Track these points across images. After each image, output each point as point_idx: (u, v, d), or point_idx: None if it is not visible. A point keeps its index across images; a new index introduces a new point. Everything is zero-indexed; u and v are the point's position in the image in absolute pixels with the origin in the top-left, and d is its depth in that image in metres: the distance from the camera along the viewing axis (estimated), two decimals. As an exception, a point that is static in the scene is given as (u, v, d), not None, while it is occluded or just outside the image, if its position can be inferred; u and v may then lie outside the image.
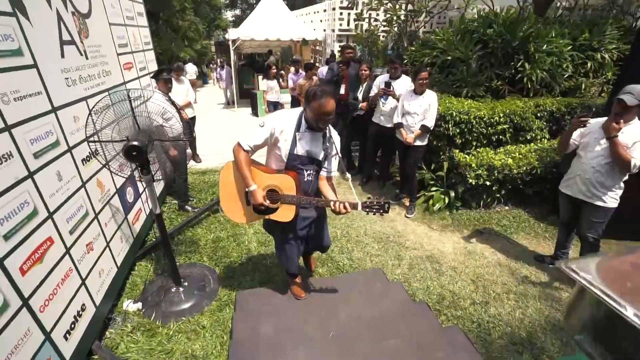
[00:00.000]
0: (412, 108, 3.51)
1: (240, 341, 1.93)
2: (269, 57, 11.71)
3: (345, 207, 1.78)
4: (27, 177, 1.56)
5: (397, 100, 3.72)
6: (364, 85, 4.38)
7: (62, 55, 1.96)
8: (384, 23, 7.36)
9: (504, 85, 4.71)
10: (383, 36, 9.37)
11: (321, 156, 1.96)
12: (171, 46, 12.94)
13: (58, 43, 1.93)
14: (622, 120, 2.20)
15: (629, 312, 0.77)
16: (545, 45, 4.57)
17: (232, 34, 9.44)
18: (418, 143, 3.58)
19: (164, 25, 13.54)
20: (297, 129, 1.91)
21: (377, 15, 9.22)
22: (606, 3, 7.50)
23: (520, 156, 3.69)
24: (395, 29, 7.84)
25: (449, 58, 4.90)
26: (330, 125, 1.95)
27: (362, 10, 8.07)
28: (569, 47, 4.80)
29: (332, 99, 1.79)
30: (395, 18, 6.84)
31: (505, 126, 3.81)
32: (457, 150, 3.77)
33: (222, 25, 23.65)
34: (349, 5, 8.47)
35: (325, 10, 10.63)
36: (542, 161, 3.64)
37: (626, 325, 0.77)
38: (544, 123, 4.15)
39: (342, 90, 4.51)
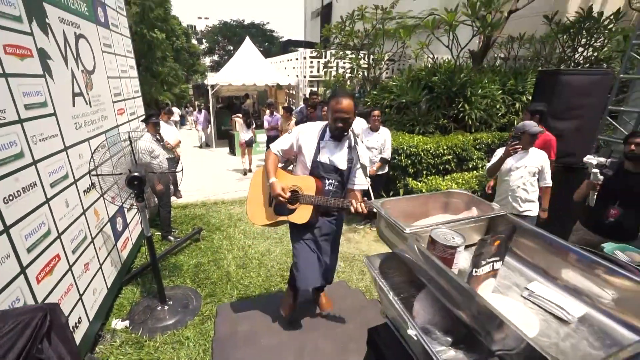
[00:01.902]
0: (370, 143, 4.11)
1: (221, 339, 2.22)
2: (246, 101, 12.50)
3: (360, 207, 1.73)
4: (45, 203, 1.91)
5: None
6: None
7: (73, 105, 2.38)
8: (346, 70, 8.30)
9: (450, 123, 5.52)
10: (350, 81, 10.43)
11: (344, 166, 1.98)
12: (151, 91, 13.49)
13: (71, 95, 2.36)
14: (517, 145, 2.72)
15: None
16: (480, 90, 5.46)
17: (211, 79, 10.15)
18: (380, 172, 4.15)
19: (144, 72, 14.20)
20: (321, 138, 2.00)
21: (344, 63, 10.33)
22: (533, 54, 8.87)
23: (464, 182, 4.33)
24: (360, 75, 8.83)
25: (403, 101, 5.71)
26: (357, 138, 2.01)
27: (328, 60, 9.05)
28: (500, 92, 5.74)
29: (349, 98, 1.86)
30: (356, 67, 7.78)
31: (449, 157, 4.48)
32: (410, 179, 4.36)
33: (201, 70, 24.71)
34: (318, 55, 9.48)
35: (297, 59, 11.70)
36: (481, 185, 4.28)
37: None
38: (483, 154, 4.89)
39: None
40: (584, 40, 7.21)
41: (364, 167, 2.01)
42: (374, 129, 4.12)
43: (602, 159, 2.54)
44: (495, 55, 9.49)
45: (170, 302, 2.83)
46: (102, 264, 2.62)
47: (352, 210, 1.76)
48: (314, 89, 10.97)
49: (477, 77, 5.65)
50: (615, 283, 0.74)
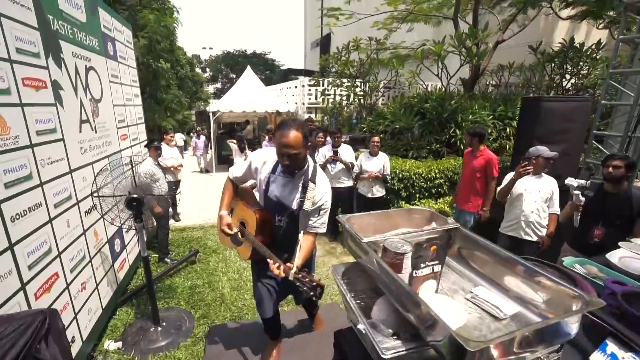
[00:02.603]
0: (370, 167, 4.27)
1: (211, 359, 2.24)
2: (246, 127, 12.84)
3: (277, 269, 1.58)
4: (48, 222, 2.01)
5: (344, 164, 4.43)
6: (319, 149, 5.13)
7: (80, 131, 2.54)
8: (343, 97, 8.64)
9: (442, 148, 5.70)
10: (347, 108, 10.80)
11: (294, 206, 1.77)
12: (155, 117, 13.88)
13: (78, 122, 2.52)
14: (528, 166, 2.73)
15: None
16: (471, 116, 5.68)
17: (213, 106, 10.51)
18: (378, 195, 4.27)
19: (148, 99, 14.69)
20: (273, 170, 1.82)
21: (341, 90, 10.75)
22: (523, 82, 9.22)
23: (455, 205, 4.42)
24: (356, 102, 9.17)
25: (397, 126, 5.92)
26: (318, 180, 1.79)
27: (324, 89, 9.42)
28: (490, 117, 5.96)
29: (296, 131, 1.60)
30: (352, 94, 8.11)
31: (441, 180, 4.61)
32: (403, 202, 4.47)
33: (204, 97, 25.44)
34: (315, 83, 9.89)
35: (296, 87, 12.16)
36: (473, 208, 4.38)
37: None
38: (475, 177, 5.02)
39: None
40: (570, 68, 7.57)
41: (320, 211, 1.79)
42: (374, 154, 4.31)
43: (582, 181, 2.64)
44: (487, 83, 9.88)
45: (164, 324, 2.85)
46: (99, 284, 2.67)
47: (270, 267, 1.61)
48: (312, 115, 11.33)
49: (467, 103, 5.89)
50: (548, 288, 0.83)
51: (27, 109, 1.85)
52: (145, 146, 4.01)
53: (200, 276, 3.77)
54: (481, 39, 5.55)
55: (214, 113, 10.51)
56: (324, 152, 4.64)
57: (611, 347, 0.81)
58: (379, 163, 4.24)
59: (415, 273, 0.87)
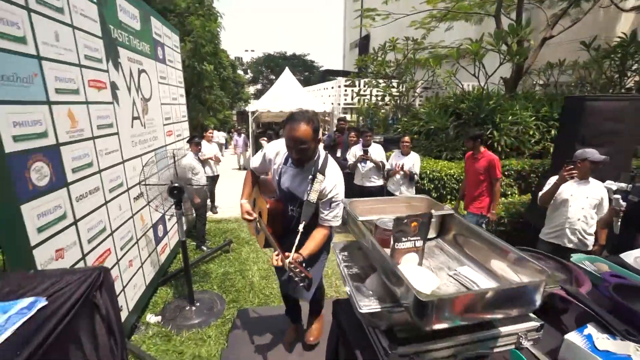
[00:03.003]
0: (405, 167, 4.30)
1: (235, 338, 2.45)
2: (283, 126, 13.23)
3: (276, 258, 1.59)
4: (104, 204, 2.32)
5: (374, 162, 4.48)
6: (351, 148, 5.22)
7: (132, 126, 2.87)
8: (379, 97, 8.62)
9: (478, 149, 5.50)
10: (383, 108, 10.75)
11: (304, 197, 1.80)
12: (198, 116, 14.79)
13: (130, 118, 2.85)
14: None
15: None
16: (510, 117, 5.44)
17: (251, 106, 10.99)
18: (407, 194, 4.27)
19: (193, 99, 15.69)
20: (285, 162, 1.86)
21: (377, 91, 10.73)
22: (577, 80, 8.57)
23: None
24: (392, 102, 9.11)
25: (432, 127, 5.83)
26: (328, 172, 1.78)
27: (359, 89, 9.44)
28: (533, 118, 5.65)
29: (306, 124, 1.60)
30: (388, 95, 8.07)
31: (473, 182, 4.47)
32: (433, 202, 4.40)
33: (244, 98, 26.50)
34: (351, 84, 9.95)
35: (332, 87, 12.31)
36: (508, 212, 4.21)
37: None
38: (512, 181, 4.81)
39: (339, 154, 5.39)
40: (635, 66, 6.89)
41: (332, 204, 1.77)
42: (405, 153, 4.35)
43: (623, 185, 2.48)
44: (534, 82, 9.32)
45: (198, 304, 3.11)
46: (143, 264, 3.00)
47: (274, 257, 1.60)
48: (347, 116, 11.40)
49: (507, 103, 5.64)
50: (524, 267, 0.87)
51: (91, 107, 2.16)
52: (187, 142, 4.37)
53: (233, 264, 4.03)
54: (523, 36, 5.29)
55: (252, 113, 10.98)
56: (355, 151, 4.72)
57: (590, 329, 0.82)
58: (409, 162, 4.25)
59: (397, 245, 0.96)
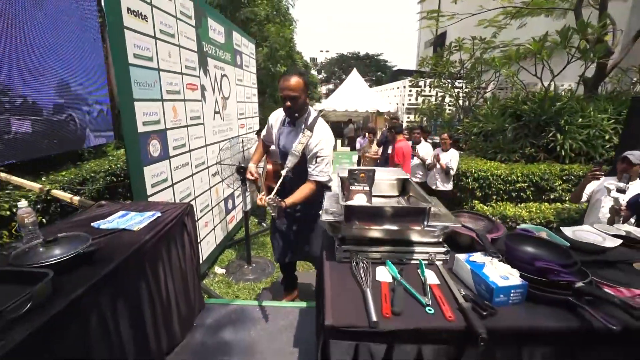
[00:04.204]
0: (441, 160, 4.51)
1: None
2: (348, 125, 13.76)
3: (262, 200, 1.73)
4: (190, 176, 3.14)
5: (420, 159, 4.75)
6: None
7: (214, 119, 3.69)
8: (440, 98, 8.55)
9: (539, 153, 5.29)
10: (448, 109, 10.53)
11: (292, 148, 1.91)
12: (270, 113, 16.13)
13: (213, 113, 3.67)
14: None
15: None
16: (580, 119, 5.11)
17: (318, 105, 11.74)
18: (442, 188, 4.47)
19: (268, 98, 17.19)
20: (282, 123, 2.03)
21: (443, 92, 10.54)
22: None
23: (538, 211, 4.18)
24: (457, 103, 8.93)
25: (490, 128, 5.77)
26: (316, 129, 1.89)
27: (422, 89, 9.44)
28: (612, 121, 5.20)
29: (298, 77, 1.77)
30: (449, 95, 7.99)
31: (523, 185, 4.41)
32: (477, 202, 4.47)
33: (316, 97, 27.64)
34: (414, 84, 9.99)
35: (398, 88, 12.40)
36: (558, 216, 4.07)
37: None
38: (570, 185, 4.55)
39: (390, 150, 5.71)
40: None
41: (318, 158, 1.88)
42: (444, 149, 4.53)
43: (622, 184, 2.41)
44: (635, 81, 8.20)
45: (254, 265, 3.84)
46: (215, 227, 3.82)
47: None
48: (411, 116, 11.42)
49: (577, 105, 5.27)
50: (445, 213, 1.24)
51: (187, 103, 2.97)
52: (256, 133, 5.19)
53: (285, 240, 4.71)
54: (596, 32, 4.87)
55: (320, 111, 11.76)
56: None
57: (476, 254, 1.16)
58: (446, 157, 4.42)
59: (351, 187, 1.40)
